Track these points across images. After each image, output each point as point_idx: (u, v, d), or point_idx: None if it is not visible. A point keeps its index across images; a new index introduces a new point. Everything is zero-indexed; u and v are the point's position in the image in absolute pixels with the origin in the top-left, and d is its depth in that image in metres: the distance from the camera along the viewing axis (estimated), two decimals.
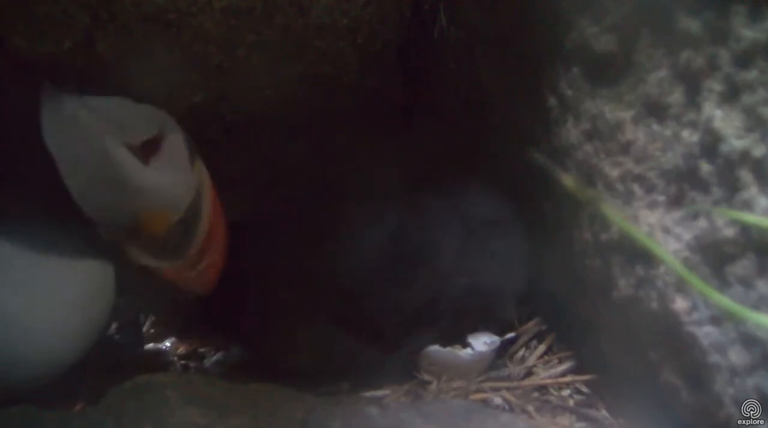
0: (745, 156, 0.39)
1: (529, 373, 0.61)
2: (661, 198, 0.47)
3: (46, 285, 0.52)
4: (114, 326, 0.75)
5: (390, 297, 0.60)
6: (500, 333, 0.62)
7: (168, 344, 0.75)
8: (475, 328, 0.61)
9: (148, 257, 0.57)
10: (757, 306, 0.39)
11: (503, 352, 0.62)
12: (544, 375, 0.60)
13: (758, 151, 0.39)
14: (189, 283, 0.61)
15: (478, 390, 0.58)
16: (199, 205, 0.58)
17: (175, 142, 0.56)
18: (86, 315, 0.55)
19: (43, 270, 0.52)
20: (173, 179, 0.55)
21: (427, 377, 0.60)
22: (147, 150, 0.53)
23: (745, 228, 0.40)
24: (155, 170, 0.54)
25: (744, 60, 0.39)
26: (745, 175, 0.39)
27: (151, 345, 0.75)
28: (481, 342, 0.60)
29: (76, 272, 0.54)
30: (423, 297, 0.60)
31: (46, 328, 0.52)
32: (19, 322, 0.51)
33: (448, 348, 0.60)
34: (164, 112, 0.56)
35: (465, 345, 0.61)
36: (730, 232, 0.41)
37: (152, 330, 0.79)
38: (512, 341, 0.62)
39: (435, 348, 0.60)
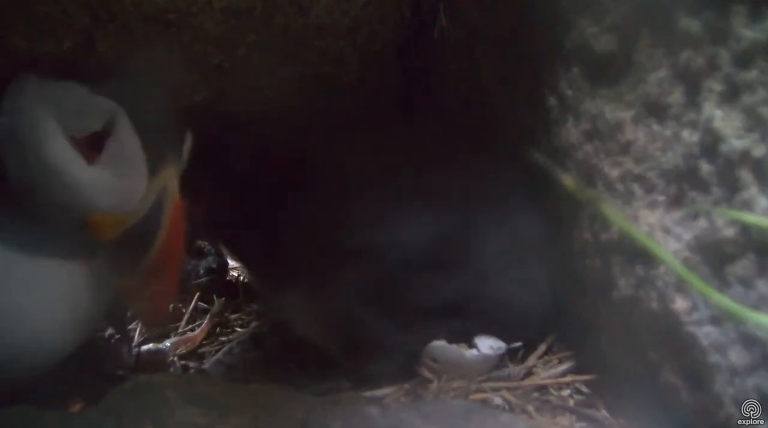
0: (745, 156, 0.39)
1: (529, 373, 0.61)
2: (661, 198, 0.47)
3: (27, 277, 0.50)
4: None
5: (420, 281, 0.60)
6: (508, 340, 0.61)
7: (168, 344, 0.75)
8: (486, 331, 0.61)
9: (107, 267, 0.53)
10: (757, 306, 0.39)
11: (506, 357, 0.62)
12: (544, 375, 0.60)
13: (758, 151, 0.39)
14: (136, 309, 0.57)
15: (478, 390, 0.58)
16: (156, 218, 0.53)
17: (127, 142, 0.51)
18: (71, 306, 0.52)
19: (24, 262, 0.50)
20: (118, 180, 0.51)
21: (427, 373, 0.60)
22: (93, 144, 0.50)
23: (745, 228, 0.40)
24: (97, 167, 0.50)
25: (744, 60, 0.39)
26: (745, 175, 0.39)
27: (151, 345, 0.75)
28: (488, 346, 0.60)
29: (57, 264, 0.51)
30: (454, 289, 0.60)
31: (29, 320, 0.50)
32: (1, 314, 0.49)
33: (454, 346, 0.60)
34: (119, 107, 0.51)
35: (471, 345, 0.60)
36: (730, 232, 0.41)
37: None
38: (517, 350, 0.62)
39: (441, 343, 0.60)
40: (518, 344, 0.62)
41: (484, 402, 0.57)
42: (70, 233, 0.51)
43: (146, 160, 0.52)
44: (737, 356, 0.41)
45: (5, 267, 0.50)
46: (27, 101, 0.49)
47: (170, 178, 0.53)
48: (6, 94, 0.49)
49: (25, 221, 0.50)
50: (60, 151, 0.49)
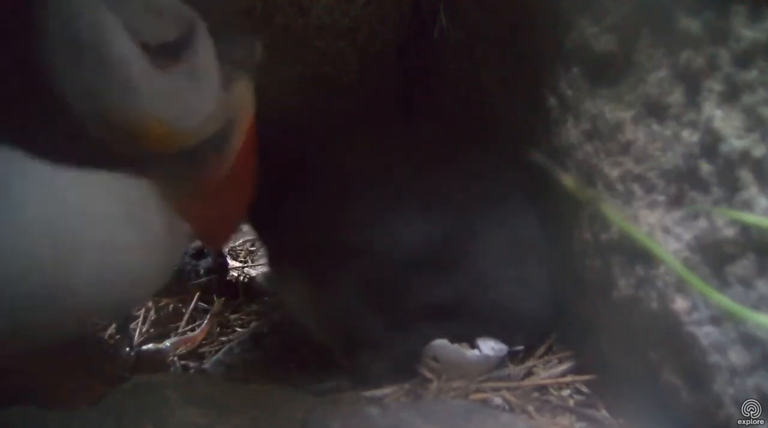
0: (745, 156, 0.39)
1: (529, 373, 0.61)
2: (661, 198, 0.47)
3: (84, 197, 0.45)
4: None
5: (422, 282, 0.60)
6: (508, 341, 0.61)
7: (168, 344, 0.75)
8: (486, 332, 0.61)
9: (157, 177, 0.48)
10: (757, 306, 0.39)
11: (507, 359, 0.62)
12: (544, 375, 0.60)
13: (758, 151, 0.39)
14: (196, 228, 0.52)
15: (478, 390, 0.58)
16: (227, 135, 0.48)
17: (203, 53, 0.47)
18: (142, 228, 0.47)
19: (78, 181, 0.45)
20: (188, 93, 0.47)
21: (427, 373, 0.60)
22: (164, 53, 0.46)
23: (745, 228, 0.40)
24: (168, 77, 0.46)
25: (744, 60, 0.39)
26: (745, 175, 0.39)
27: (151, 345, 0.75)
28: (489, 347, 0.60)
29: (114, 181, 0.46)
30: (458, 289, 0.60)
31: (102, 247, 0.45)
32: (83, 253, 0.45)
33: (456, 345, 0.60)
34: (196, 14, 0.47)
35: (473, 345, 0.60)
36: (730, 232, 0.41)
37: (152, 330, 0.79)
38: (518, 353, 0.62)
39: (442, 342, 0.60)
40: (520, 347, 0.62)
41: (484, 402, 0.57)
42: (123, 147, 0.46)
43: (220, 74, 0.48)
44: (737, 356, 0.41)
45: (57, 186, 0.45)
46: (90, 6, 0.44)
47: (244, 93, 0.50)
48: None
49: (73, 134, 0.45)
50: (123, 49, 0.44)
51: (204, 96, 0.48)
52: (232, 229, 0.55)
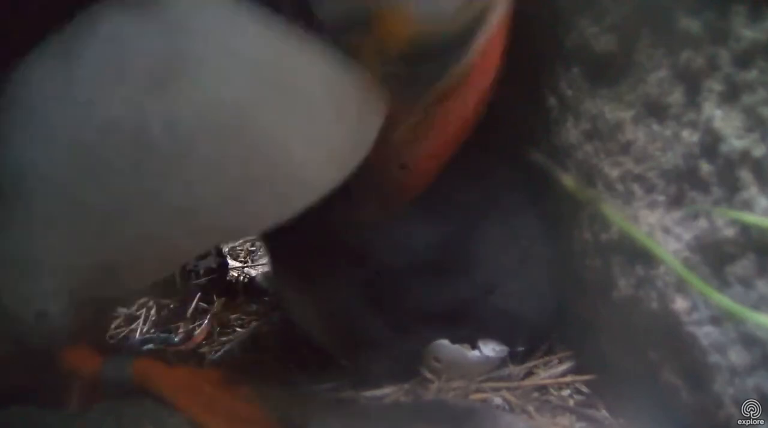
0: (745, 156, 0.39)
1: (529, 373, 0.61)
2: (661, 198, 0.47)
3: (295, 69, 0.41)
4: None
5: (426, 284, 0.60)
6: (511, 345, 0.61)
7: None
8: (488, 335, 0.61)
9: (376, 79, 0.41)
10: (757, 306, 0.39)
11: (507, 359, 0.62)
12: (544, 375, 0.60)
13: (758, 151, 0.39)
14: (390, 166, 0.46)
15: (478, 390, 0.58)
16: (466, 42, 0.41)
17: None
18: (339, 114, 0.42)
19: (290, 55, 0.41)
20: None
21: (428, 373, 0.60)
22: None
23: (745, 228, 0.40)
24: None
25: (744, 60, 0.39)
26: (745, 175, 0.39)
27: (151, 346, 0.75)
28: (490, 348, 0.60)
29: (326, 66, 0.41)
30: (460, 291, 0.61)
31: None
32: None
33: (457, 346, 0.60)
34: None
35: (474, 346, 0.60)
36: (730, 232, 0.41)
37: (152, 330, 0.79)
38: (518, 353, 0.62)
39: (444, 342, 0.60)
40: (520, 349, 0.62)
41: (484, 402, 0.57)
42: (348, 30, 0.41)
43: None
44: (737, 356, 0.41)
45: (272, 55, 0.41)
46: None
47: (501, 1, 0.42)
48: None
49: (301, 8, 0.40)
50: None
51: None
52: (438, 166, 0.46)
